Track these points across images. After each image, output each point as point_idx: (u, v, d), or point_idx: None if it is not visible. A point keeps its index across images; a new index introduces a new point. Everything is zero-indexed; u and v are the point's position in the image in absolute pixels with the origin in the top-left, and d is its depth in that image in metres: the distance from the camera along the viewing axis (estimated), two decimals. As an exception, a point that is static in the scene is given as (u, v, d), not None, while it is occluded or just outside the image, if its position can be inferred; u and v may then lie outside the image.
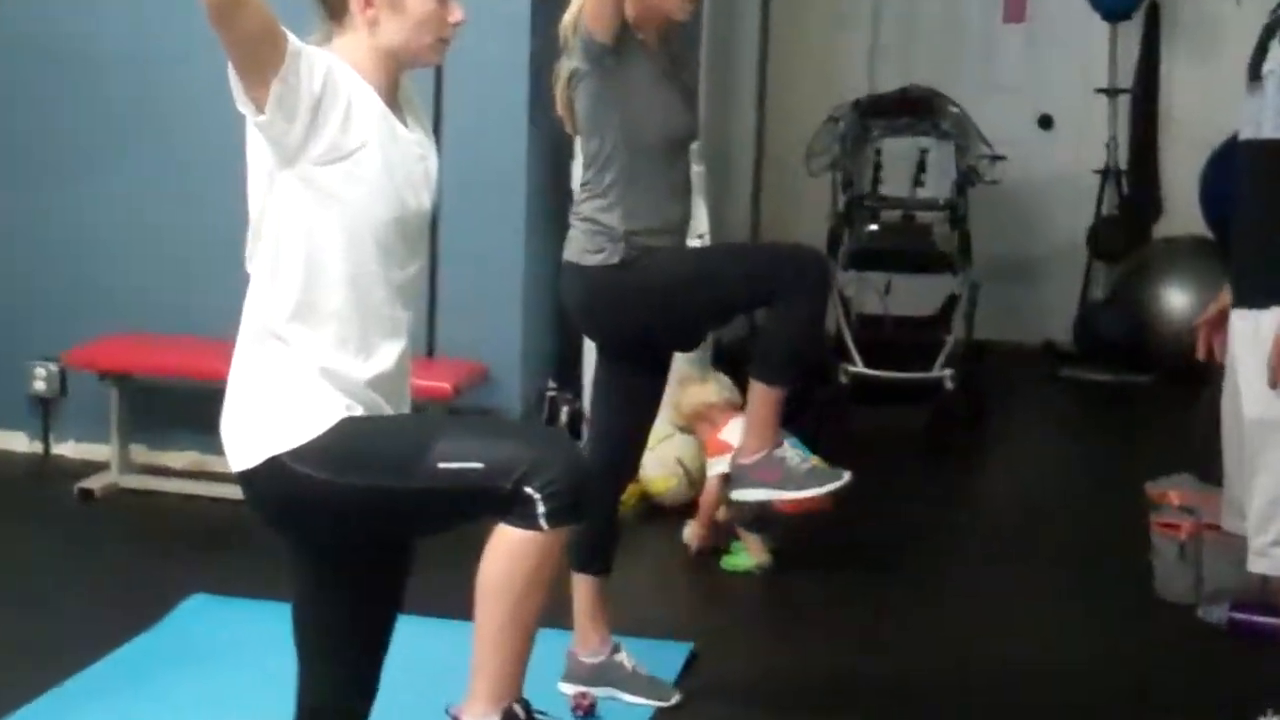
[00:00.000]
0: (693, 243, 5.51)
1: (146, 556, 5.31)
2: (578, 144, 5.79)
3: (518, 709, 2.84)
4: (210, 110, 5.76)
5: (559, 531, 2.75)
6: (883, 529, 5.90)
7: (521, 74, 5.83)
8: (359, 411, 2.80)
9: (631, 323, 4.07)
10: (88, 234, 6.20)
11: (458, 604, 3.01)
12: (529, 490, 2.70)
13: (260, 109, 2.67)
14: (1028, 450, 7.25)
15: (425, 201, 2.92)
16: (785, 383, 4.08)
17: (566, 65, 3.99)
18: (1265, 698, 4.06)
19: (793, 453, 4.17)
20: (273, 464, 2.78)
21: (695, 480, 5.84)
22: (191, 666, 4.35)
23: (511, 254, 5.93)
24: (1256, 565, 3.93)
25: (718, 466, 5.27)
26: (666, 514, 5.80)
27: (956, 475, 6.83)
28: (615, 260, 3.98)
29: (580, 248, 4.04)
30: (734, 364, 5.59)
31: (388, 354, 2.86)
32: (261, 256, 2.82)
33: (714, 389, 5.54)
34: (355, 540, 2.95)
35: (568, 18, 3.94)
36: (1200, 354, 4.12)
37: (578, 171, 5.78)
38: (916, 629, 4.92)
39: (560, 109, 4.07)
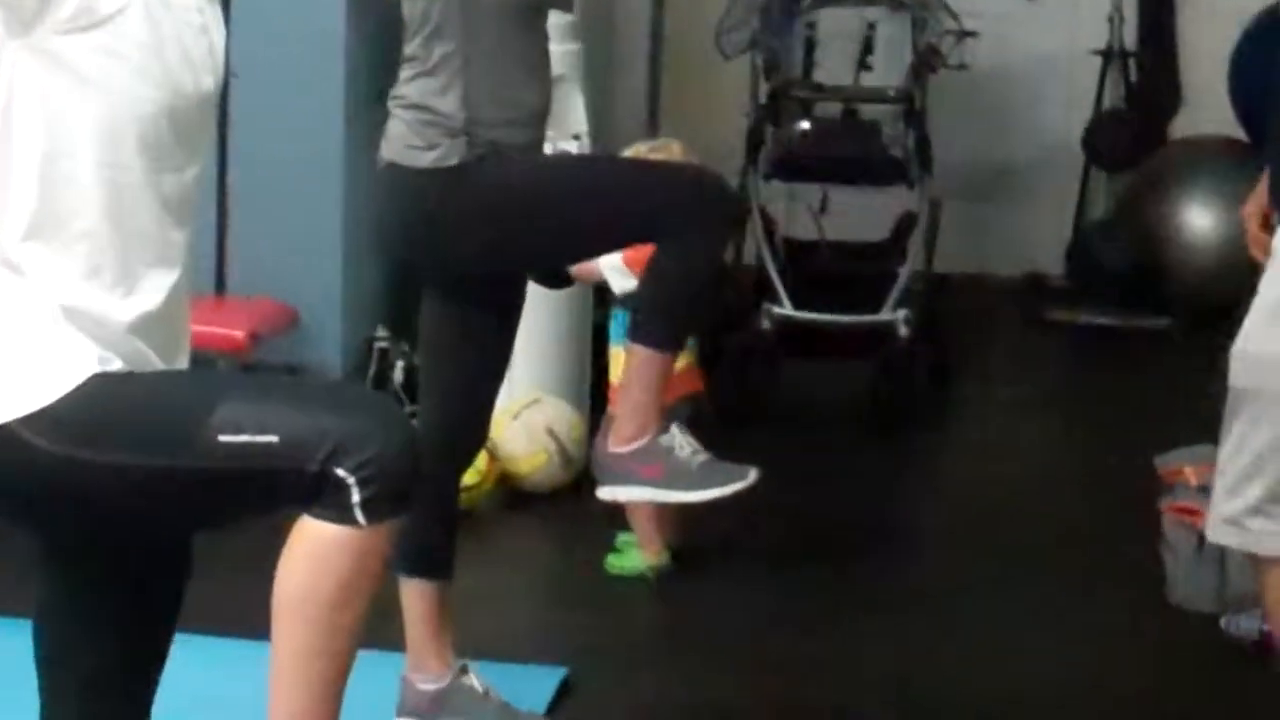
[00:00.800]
0: (566, 146, 5.53)
1: None
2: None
3: None
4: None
5: (380, 527, 2.76)
6: (816, 519, 5.98)
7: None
8: (116, 366, 2.79)
9: (470, 247, 4.07)
10: None
11: (260, 619, 2.99)
12: (340, 473, 2.71)
13: None
14: (1004, 415, 7.32)
15: (206, 85, 2.92)
16: (672, 347, 4.11)
17: None
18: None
19: (682, 440, 4.17)
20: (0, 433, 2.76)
21: (572, 456, 5.89)
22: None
23: (327, 157, 5.94)
24: (1220, 534, 4.00)
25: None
26: (534, 500, 5.84)
27: (912, 448, 6.89)
28: (453, 160, 3.97)
29: (404, 143, 4.03)
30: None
31: (156, 288, 2.86)
32: None
33: None
34: (111, 536, 2.95)
35: None
36: (1256, 252, 4.13)
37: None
38: (857, 650, 4.97)
39: None
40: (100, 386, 2.76)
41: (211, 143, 2.97)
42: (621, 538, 5.42)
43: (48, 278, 2.78)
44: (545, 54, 4.16)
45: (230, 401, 2.77)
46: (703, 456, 4.16)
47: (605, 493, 4.24)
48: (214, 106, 3.01)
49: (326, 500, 2.73)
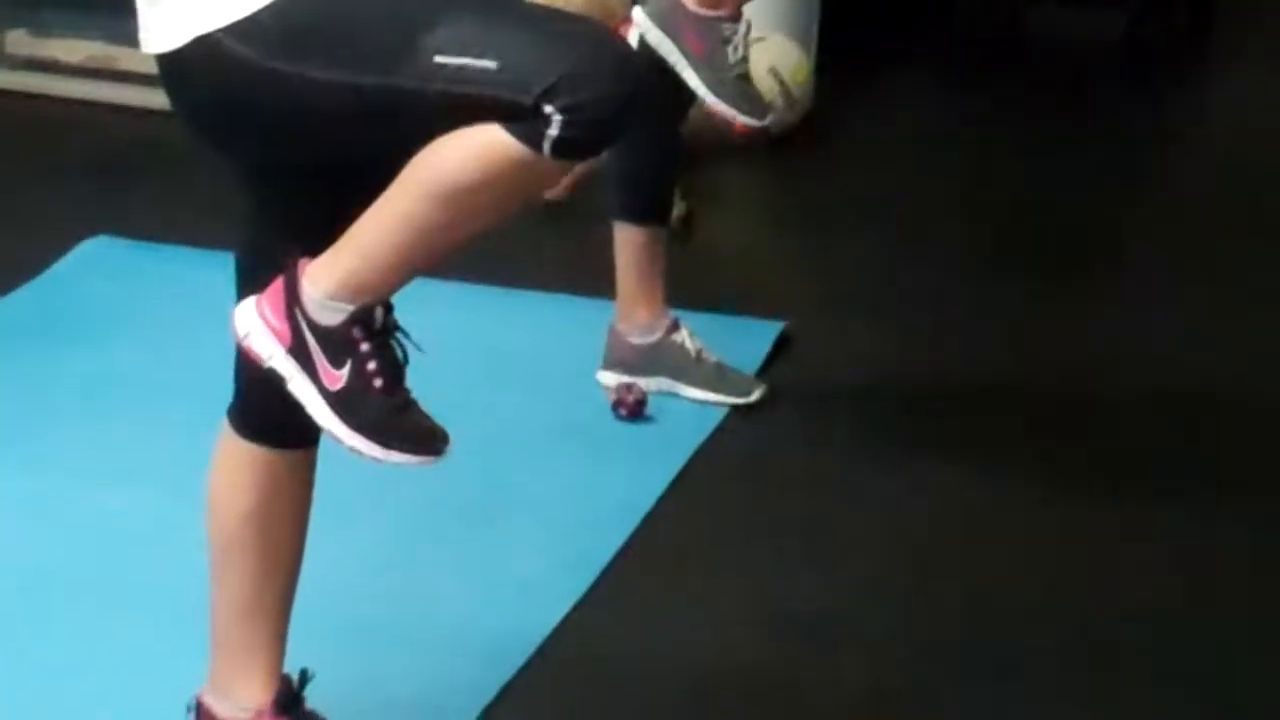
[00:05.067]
0: None
1: (31, 183, 5.40)
2: None
3: (378, 314, 2.83)
4: None
5: (560, 163, 2.72)
6: (1050, 187, 5.92)
7: None
8: None
9: None
10: None
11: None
12: (549, 109, 2.65)
13: None
14: (1276, 68, 7.06)
15: None
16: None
17: None
18: None
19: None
20: (204, 45, 2.75)
21: (796, 98, 5.88)
22: (90, 328, 4.52)
23: None
24: None
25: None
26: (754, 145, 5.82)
27: (1171, 103, 6.77)
28: None
29: None
30: None
31: None
32: None
33: None
34: (316, 159, 2.94)
35: None
36: None
37: None
38: (1084, 328, 4.99)
39: None
40: None
41: None
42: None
43: None
44: None
45: (449, 20, 2.72)
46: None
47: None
48: None
49: (523, 127, 2.67)
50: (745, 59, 4.16)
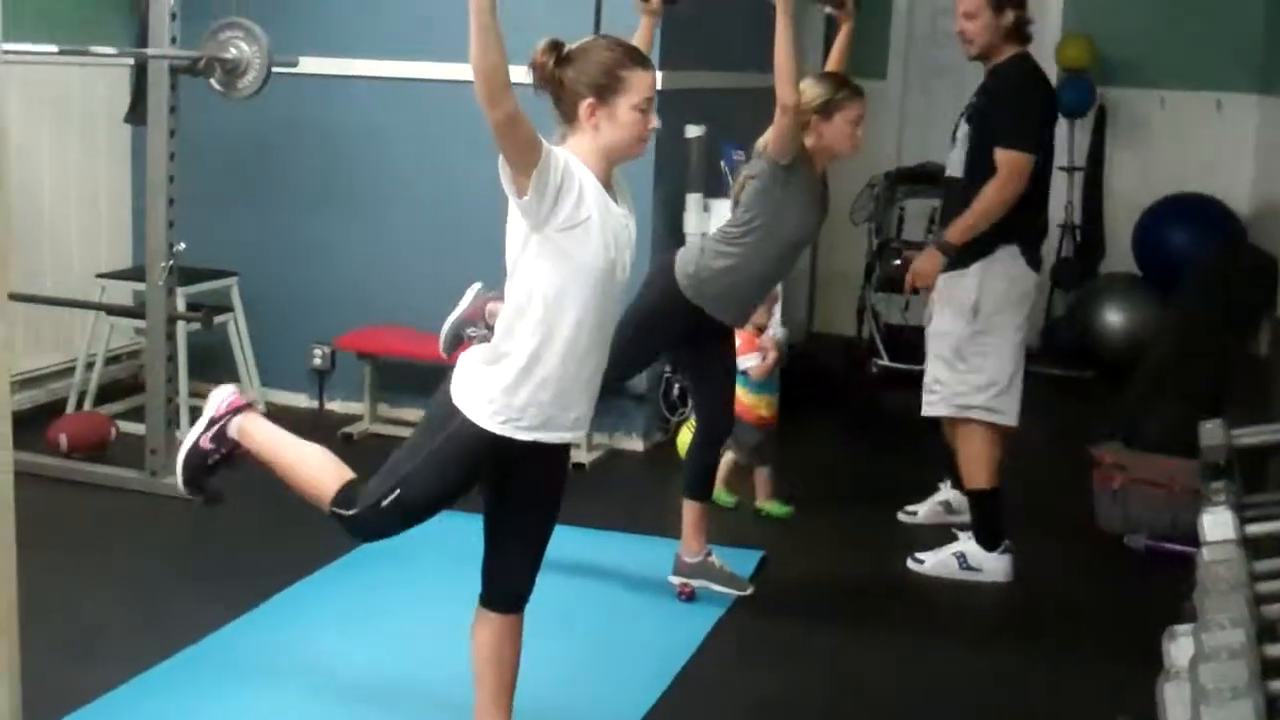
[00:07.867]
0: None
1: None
2: (688, 200, 5.73)
3: (239, 451, 3.10)
4: (446, 180, 5.81)
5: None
6: (897, 468, 5.83)
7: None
8: (525, 422, 2.79)
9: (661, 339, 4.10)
10: (358, 255, 6.20)
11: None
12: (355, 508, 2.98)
13: (521, 193, 2.64)
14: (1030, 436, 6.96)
15: (627, 258, 2.84)
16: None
17: (752, 166, 3.96)
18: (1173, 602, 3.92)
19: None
20: (460, 412, 2.82)
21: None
22: (411, 557, 4.33)
23: (634, 289, 5.70)
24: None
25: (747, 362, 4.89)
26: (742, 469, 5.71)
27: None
28: (686, 295, 3.95)
29: (683, 261, 3.96)
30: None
31: (587, 364, 2.83)
32: (515, 291, 2.78)
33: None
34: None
35: (762, 139, 3.88)
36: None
37: (689, 219, 5.70)
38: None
39: (735, 191, 4.05)
40: (487, 434, 2.79)
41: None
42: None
43: (531, 353, 2.76)
44: (790, 268, 4.09)
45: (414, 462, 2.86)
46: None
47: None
48: (629, 269, 2.87)
49: (350, 498, 2.98)
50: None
